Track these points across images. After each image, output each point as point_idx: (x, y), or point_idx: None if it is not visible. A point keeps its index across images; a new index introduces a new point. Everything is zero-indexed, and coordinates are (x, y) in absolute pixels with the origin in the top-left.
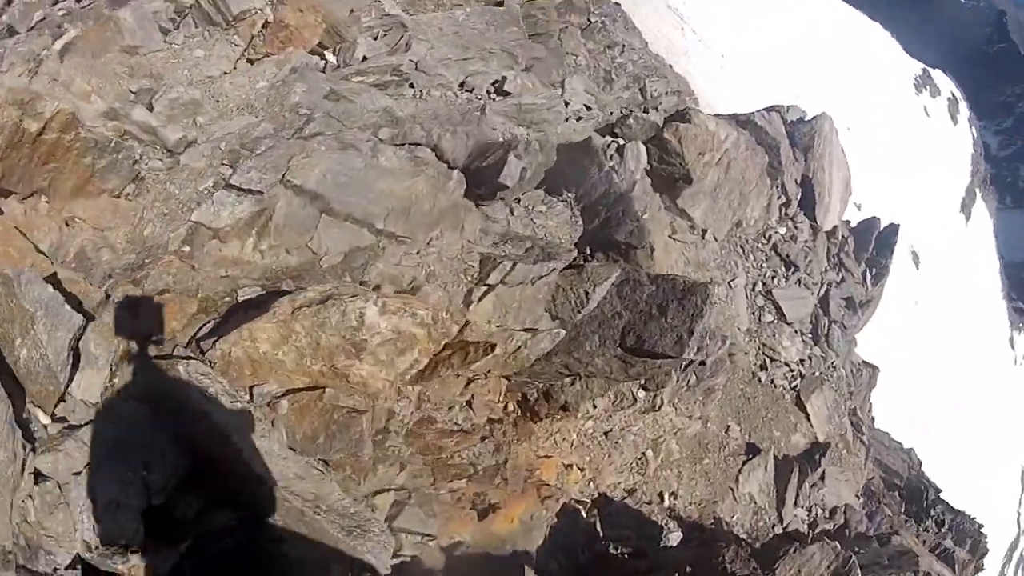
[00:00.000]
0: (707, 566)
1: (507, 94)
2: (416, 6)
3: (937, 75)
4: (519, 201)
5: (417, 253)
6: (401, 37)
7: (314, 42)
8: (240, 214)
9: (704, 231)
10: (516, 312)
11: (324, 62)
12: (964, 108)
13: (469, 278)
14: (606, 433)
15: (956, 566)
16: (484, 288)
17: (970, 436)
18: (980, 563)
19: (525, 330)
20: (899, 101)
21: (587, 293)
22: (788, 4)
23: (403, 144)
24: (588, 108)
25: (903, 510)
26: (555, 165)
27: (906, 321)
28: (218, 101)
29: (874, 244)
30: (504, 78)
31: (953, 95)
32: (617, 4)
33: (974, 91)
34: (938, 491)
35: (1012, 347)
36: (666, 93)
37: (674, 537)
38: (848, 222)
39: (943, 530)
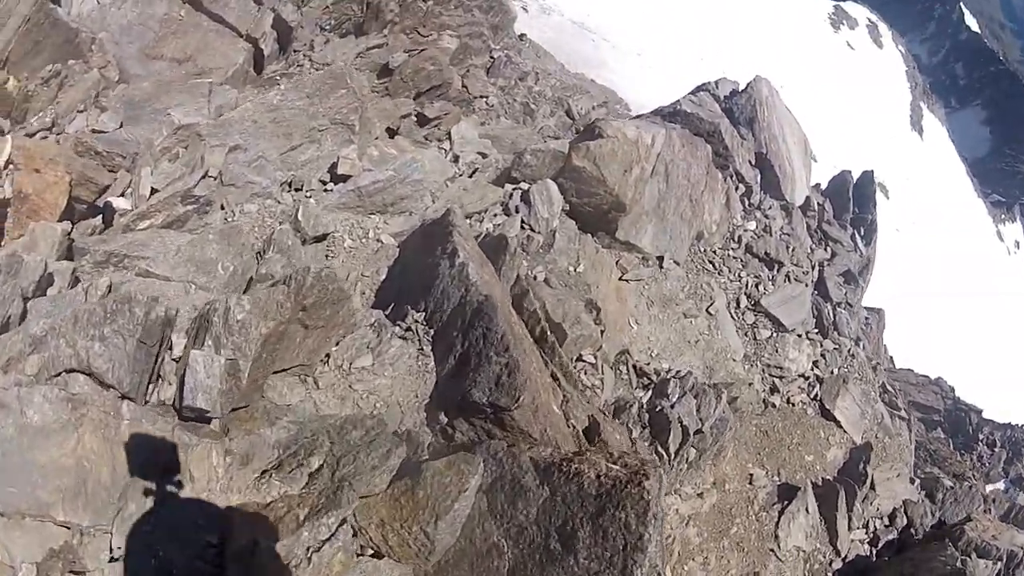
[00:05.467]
0: None
1: (345, 178)
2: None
3: (849, 6)
4: (329, 359)
5: None
6: (199, 150)
7: (62, 204)
8: None
9: (660, 259)
10: None
11: (102, 218)
12: (885, 29)
13: None
14: None
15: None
16: None
17: (992, 341)
18: None
19: None
20: (820, 44)
21: (427, 534)
22: None
23: (55, 375)
24: (483, 156)
25: (951, 447)
26: (404, 268)
27: (894, 253)
28: None
29: (853, 200)
30: (338, 159)
31: (870, 20)
32: (521, 36)
33: (889, 9)
34: (979, 412)
35: (1001, 240)
36: (593, 107)
37: None
38: (818, 185)
39: (995, 451)
